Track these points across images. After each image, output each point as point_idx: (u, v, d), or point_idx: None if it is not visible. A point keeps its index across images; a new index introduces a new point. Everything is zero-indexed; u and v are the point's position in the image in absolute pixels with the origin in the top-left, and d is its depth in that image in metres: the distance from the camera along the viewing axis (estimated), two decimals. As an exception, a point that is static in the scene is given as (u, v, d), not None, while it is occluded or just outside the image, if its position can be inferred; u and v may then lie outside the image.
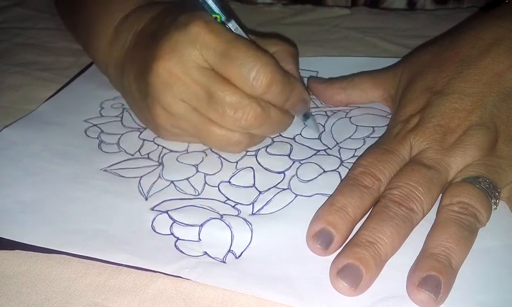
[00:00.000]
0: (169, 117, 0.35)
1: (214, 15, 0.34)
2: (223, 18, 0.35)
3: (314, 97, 0.44)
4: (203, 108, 0.34)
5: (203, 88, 0.33)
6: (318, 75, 0.46)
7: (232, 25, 0.35)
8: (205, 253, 0.30)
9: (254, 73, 0.32)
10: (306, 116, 0.39)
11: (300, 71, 0.46)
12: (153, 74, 0.34)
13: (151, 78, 0.34)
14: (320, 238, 0.29)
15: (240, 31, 0.35)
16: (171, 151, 0.38)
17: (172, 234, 0.31)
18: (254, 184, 0.35)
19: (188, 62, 0.33)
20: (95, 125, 0.41)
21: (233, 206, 0.33)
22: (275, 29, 0.56)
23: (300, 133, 0.39)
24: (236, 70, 0.33)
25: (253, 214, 0.32)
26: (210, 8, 0.34)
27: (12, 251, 0.30)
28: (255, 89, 0.33)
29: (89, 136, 0.40)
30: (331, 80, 0.43)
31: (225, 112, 0.33)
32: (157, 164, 0.37)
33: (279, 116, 0.36)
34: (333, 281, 0.27)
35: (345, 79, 0.42)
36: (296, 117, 0.39)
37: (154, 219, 0.32)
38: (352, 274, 0.27)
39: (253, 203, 0.33)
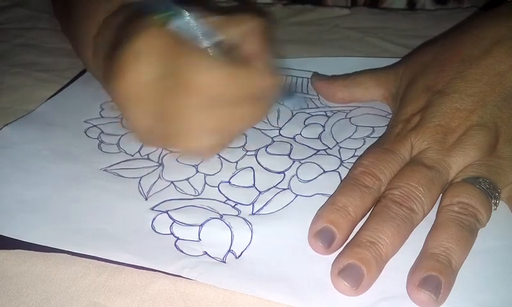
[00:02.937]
0: (142, 132, 0.34)
1: (162, 12, 0.32)
2: (175, 12, 0.32)
3: (315, 96, 0.44)
4: (166, 119, 0.32)
5: (159, 100, 0.32)
6: (318, 75, 0.46)
7: (183, 17, 0.32)
8: (205, 253, 0.30)
9: (200, 80, 0.30)
10: (289, 95, 0.37)
11: (300, 71, 0.46)
12: (116, 94, 0.33)
13: (115, 98, 0.33)
14: (322, 237, 0.29)
15: (193, 24, 0.32)
16: (171, 151, 0.38)
17: (172, 234, 0.31)
18: (254, 184, 0.35)
19: (142, 76, 0.31)
20: (95, 125, 0.41)
21: (233, 206, 0.33)
22: (275, 29, 0.56)
23: (300, 133, 0.39)
24: (184, 77, 0.31)
25: (253, 214, 0.32)
26: (160, 3, 0.32)
27: (12, 251, 0.30)
28: (208, 93, 0.31)
29: (89, 136, 0.40)
30: (333, 77, 0.43)
31: (189, 119, 0.32)
32: (157, 164, 0.37)
33: (246, 110, 0.33)
34: (335, 280, 0.27)
35: (348, 77, 0.42)
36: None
37: (154, 218, 0.32)
38: (353, 274, 0.27)
39: (253, 203, 0.33)
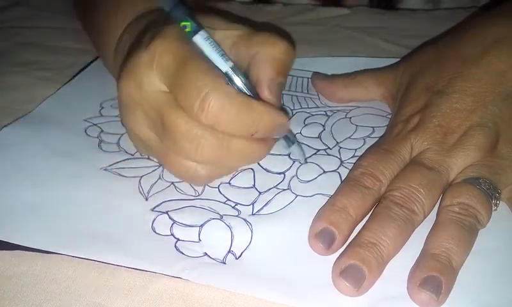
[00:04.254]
0: (137, 139, 0.34)
1: (183, 23, 0.30)
2: (193, 26, 0.30)
3: (315, 96, 0.44)
4: (160, 135, 0.31)
5: (158, 114, 0.30)
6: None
7: (203, 33, 0.30)
8: (205, 254, 0.30)
9: (199, 101, 0.28)
10: (291, 141, 0.34)
11: (300, 71, 0.46)
12: (118, 96, 0.32)
13: (118, 99, 0.33)
14: (323, 238, 0.29)
15: (210, 43, 0.31)
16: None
17: (172, 235, 0.31)
18: (254, 185, 0.35)
19: (145, 85, 0.30)
20: (94, 124, 0.41)
21: (233, 207, 0.33)
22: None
23: (300, 132, 0.39)
24: (183, 95, 0.29)
25: (253, 214, 0.32)
26: (179, 16, 0.30)
27: (12, 251, 0.30)
28: (201, 119, 0.29)
29: (89, 135, 0.40)
30: (333, 77, 0.43)
31: (177, 141, 0.30)
32: (158, 164, 0.37)
33: (244, 147, 0.31)
34: (336, 281, 0.27)
35: (348, 77, 0.42)
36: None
37: (154, 219, 0.32)
38: (355, 274, 0.27)
39: (253, 204, 0.33)
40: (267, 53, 0.32)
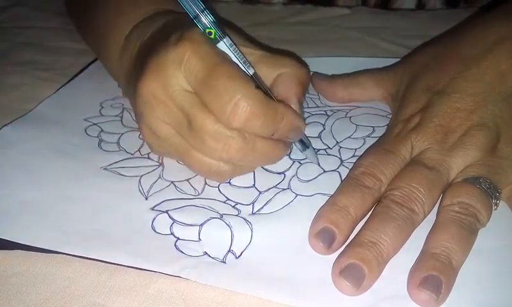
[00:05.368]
0: (153, 137, 0.34)
1: (207, 30, 0.31)
2: (218, 34, 0.31)
3: (315, 96, 0.44)
4: (184, 133, 0.32)
5: (184, 113, 0.31)
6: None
7: (227, 40, 0.31)
8: (205, 253, 0.30)
9: (231, 106, 0.29)
10: (305, 145, 0.36)
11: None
12: (138, 93, 0.32)
13: (136, 96, 0.33)
14: (323, 237, 0.29)
15: (234, 50, 0.31)
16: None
17: (172, 234, 0.31)
18: (254, 184, 0.35)
19: (171, 85, 0.31)
20: (94, 123, 0.41)
21: (233, 206, 0.33)
22: (275, 28, 0.56)
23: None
24: (214, 99, 0.30)
25: (253, 214, 0.32)
26: (204, 23, 0.31)
27: (12, 251, 0.30)
28: (232, 123, 0.30)
29: (89, 135, 0.40)
30: (334, 77, 0.43)
31: (205, 141, 0.31)
32: (157, 164, 0.37)
33: (267, 147, 0.33)
34: (336, 280, 0.27)
35: (348, 77, 0.42)
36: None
37: (154, 218, 0.32)
38: (355, 273, 0.27)
39: (253, 203, 0.33)
40: (295, 74, 0.34)
